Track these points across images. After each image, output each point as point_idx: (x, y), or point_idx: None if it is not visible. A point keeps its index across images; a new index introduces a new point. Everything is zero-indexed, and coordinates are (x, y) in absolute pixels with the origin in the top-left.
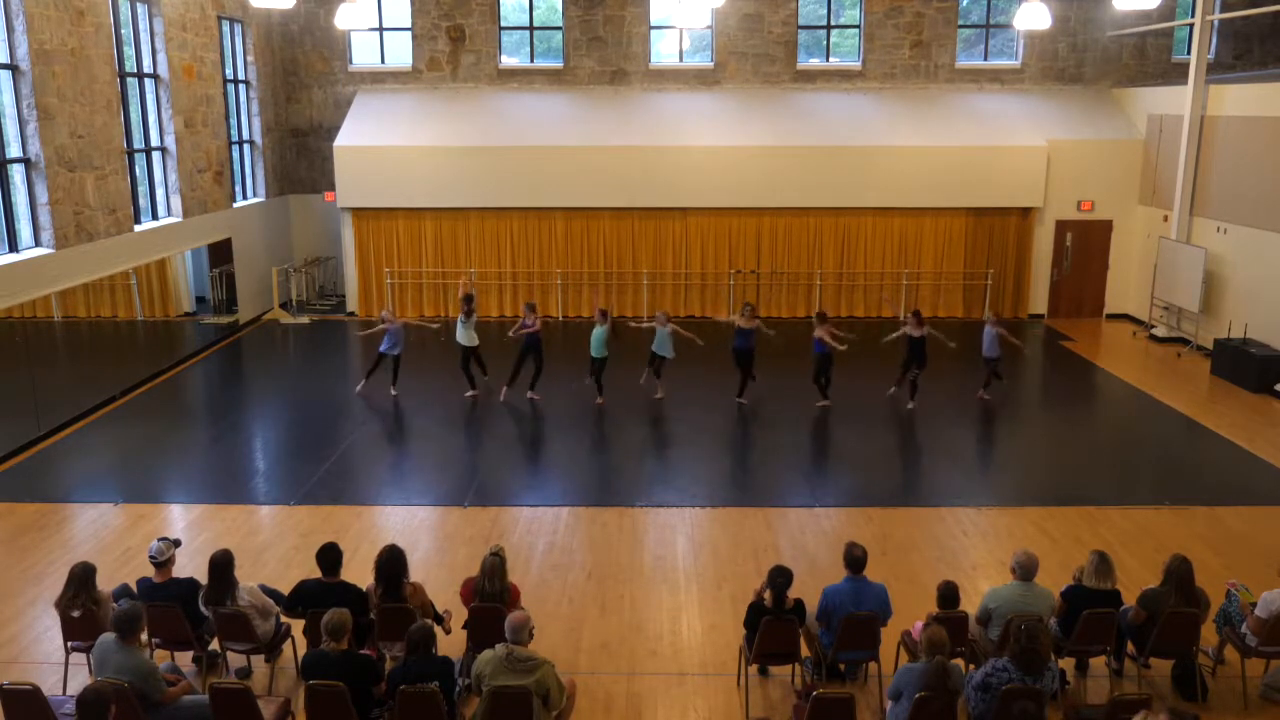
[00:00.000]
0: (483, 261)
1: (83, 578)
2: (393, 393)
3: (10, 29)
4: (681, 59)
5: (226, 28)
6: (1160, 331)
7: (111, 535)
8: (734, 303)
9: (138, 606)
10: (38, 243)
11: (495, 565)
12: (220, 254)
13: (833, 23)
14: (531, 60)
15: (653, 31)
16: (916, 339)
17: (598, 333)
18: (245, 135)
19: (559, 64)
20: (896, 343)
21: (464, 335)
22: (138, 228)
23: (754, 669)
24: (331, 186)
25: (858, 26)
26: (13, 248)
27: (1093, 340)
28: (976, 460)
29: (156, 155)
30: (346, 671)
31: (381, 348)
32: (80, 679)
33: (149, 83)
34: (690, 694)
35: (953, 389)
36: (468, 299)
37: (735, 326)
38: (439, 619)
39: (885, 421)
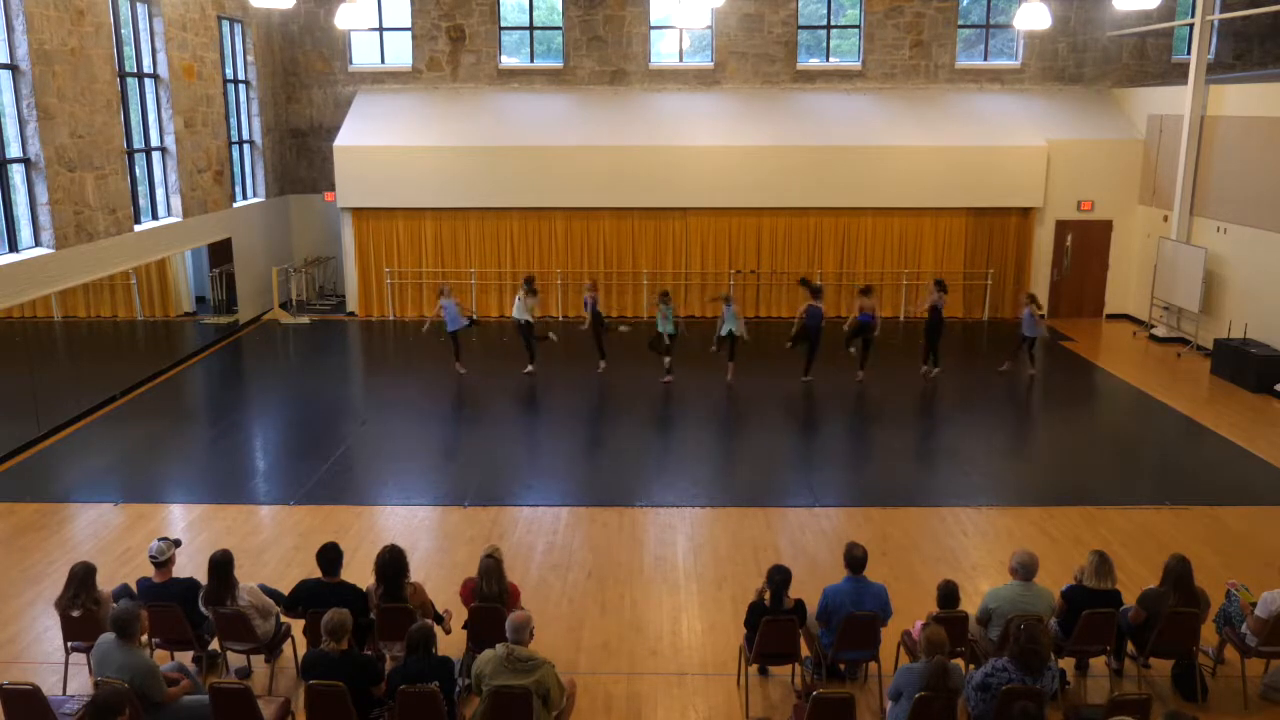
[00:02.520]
0: (483, 261)
1: (83, 578)
2: (460, 370)
3: (10, 29)
4: (681, 59)
5: (226, 28)
6: (1160, 331)
7: (111, 535)
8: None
9: (133, 606)
10: (38, 243)
11: (491, 567)
12: (220, 254)
13: (833, 23)
14: (531, 60)
15: (653, 31)
16: (938, 308)
17: (664, 310)
18: (245, 135)
19: (559, 64)
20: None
21: (516, 309)
22: (138, 228)
23: (754, 669)
24: (331, 186)
25: (858, 26)
26: (13, 248)
27: (1093, 340)
28: (976, 460)
29: (156, 155)
30: (346, 671)
31: (449, 328)
32: (80, 679)
33: (149, 83)
34: (690, 694)
35: (953, 389)
36: (528, 280)
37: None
38: (439, 619)
39: (886, 420)
